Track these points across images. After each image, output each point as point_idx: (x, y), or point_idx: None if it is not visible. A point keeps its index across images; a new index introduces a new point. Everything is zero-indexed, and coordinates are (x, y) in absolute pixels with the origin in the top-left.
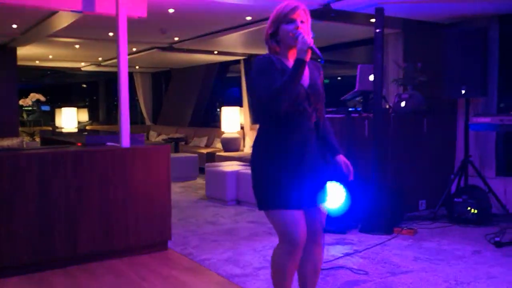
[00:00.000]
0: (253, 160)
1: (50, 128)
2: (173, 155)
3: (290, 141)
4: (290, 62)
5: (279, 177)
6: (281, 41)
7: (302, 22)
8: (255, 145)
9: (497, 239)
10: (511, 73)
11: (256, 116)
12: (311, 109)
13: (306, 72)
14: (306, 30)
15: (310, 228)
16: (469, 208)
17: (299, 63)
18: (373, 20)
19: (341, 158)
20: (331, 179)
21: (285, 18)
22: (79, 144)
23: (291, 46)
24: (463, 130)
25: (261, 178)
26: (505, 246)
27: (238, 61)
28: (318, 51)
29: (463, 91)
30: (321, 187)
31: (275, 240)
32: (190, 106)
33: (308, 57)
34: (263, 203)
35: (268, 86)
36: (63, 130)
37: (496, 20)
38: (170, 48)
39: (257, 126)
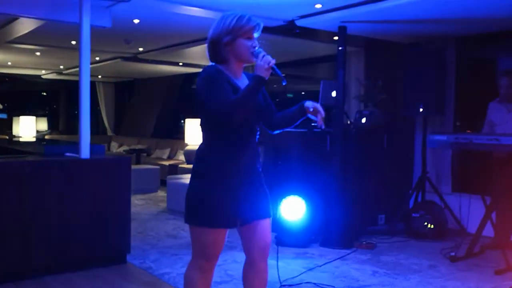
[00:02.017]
0: (193, 173)
1: (7, 137)
2: (134, 166)
3: (231, 159)
4: (236, 75)
5: (213, 195)
6: (234, 53)
7: (257, 40)
8: (197, 159)
9: (452, 253)
10: (467, 92)
11: (202, 127)
12: (254, 125)
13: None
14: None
15: (255, 243)
16: (426, 223)
17: (260, 80)
18: (336, 38)
19: (307, 103)
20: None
21: (246, 33)
22: (37, 154)
23: (244, 61)
24: (420, 147)
25: (196, 193)
26: (460, 261)
27: None
28: (279, 71)
29: (421, 109)
30: (264, 203)
31: (237, 255)
32: (153, 117)
33: (268, 75)
34: (192, 218)
35: (222, 99)
36: (21, 139)
37: (452, 41)
38: (135, 58)
39: None
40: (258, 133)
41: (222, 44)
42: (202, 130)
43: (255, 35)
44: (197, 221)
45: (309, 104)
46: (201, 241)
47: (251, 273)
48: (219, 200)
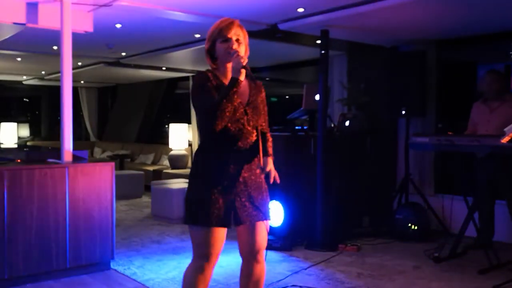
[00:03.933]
0: (190, 174)
1: None
2: (118, 172)
3: (226, 160)
4: (228, 77)
5: (208, 195)
6: (218, 57)
7: (237, 40)
8: (194, 160)
9: (436, 254)
10: (448, 94)
11: (199, 132)
12: (250, 127)
13: (246, 91)
14: (241, 49)
15: (249, 245)
16: (409, 225)
17: (233, 82)
18: (318, 41)
19: (269, 159)
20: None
21: (220, 34)
22: (18, 160)
23: (226, 62)
24: (403, 149)
25: (193, 194)
26: (444, 261)
27: (187, 78)
28: (250, 72)
29: (403, 112)
30: (260, 205)
31: (221, 259)
32: (137, 123)
33: (242, 76)
34: (189, 218)
35: (204, 104)
36: (2, 146)
37: (433, 44)
38: (117, 63)
39: None
40: (254, 135)
41: (206, 51)
42: (198, 132)
43: (232, 35)
44: (191, 220)
45: (269, 163)
46: (198, 241)
47: (244, 276)
48: (212, 200)
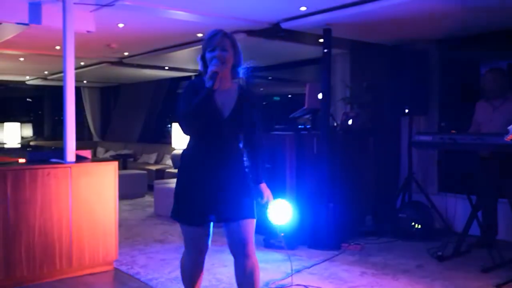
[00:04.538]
0: (177, 172)
1: None
2: (121, 172)
3: (201, 162)
4: (220, 87)
5: (188, 195)
6: (209, 66)
7: (223, 49)
8: (180, 159)
9: (439, 253)
10: (451, 93)
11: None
12: (231, 136)
13: (231, 101)
14: (226, 57)
15: (234, 241)
16: (413, 224)
17: (205, 90)
18: (321, 40)
19: (262, 187)
20: (253, 198)
21: (208, 44)
22: (21, 160)
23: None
24: (406, 148)
25: (176, 193)
26: (447, 260)
27: (189, 77)
28: (212, 81)
29: (406, 110)
30: (240, 204)
31: (225, 258)
32: (140, 122)
33: (216, 85)
34: (174, 214)
35: (181, 107)
36: (5, 146)
37: (436, 43)
38: (120, 63)
39: None
40: (240, 139)
41: (200, 58)
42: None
43: (217, 45)
44: (174, 215)
45: (263, 189)
46: (184, 235)
47: (238, 272)
48: (188, 199)
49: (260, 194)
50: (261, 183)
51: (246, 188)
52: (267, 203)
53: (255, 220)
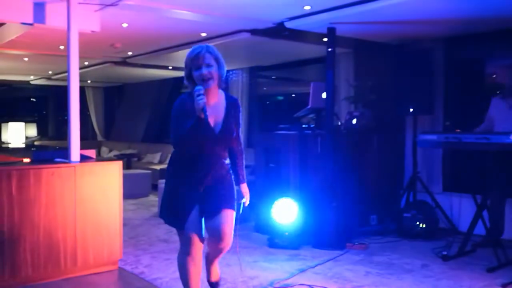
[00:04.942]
0: (166, 180)
1: None
2: (125, 171)
3: (192, 170)
4: (209, 101)
5: (176, 200)
6: (196, 82)
7: (208, 65)
8: (168, 165)
9: (444, 252)
10: (456, 92)
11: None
12: (220, 149)
13: (220, 114)
14: (213, 72)
15: (215, 229)
16: (417, 223)
17: (197, 119)
18: (325, 39)
19: (242, 187)
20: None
21: (193, 63)
22: (26, 160)
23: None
24: (411, 147)
25: (164, 195)
26: (452, 260)
27: None
28: (206, 114)
29: (411, 109)
30: (225, 197)
31: (229, 257)
32: (143, 122)
33: (206, 110)
34: (161, 213)
35: (175, 131)
36: (10, 146)
37: (441, 41)
38: (124, 62)
39: None
40: (222, 148)
41: (186, 77)
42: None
43: (201, 62)
44: (162, 215)
45: (243, 190)
46: (177, 233)
47: (209, 248)
48: (170, 202)
49: (241, 195)
50: (242, 183)
51: (230, 187)
52: (245, 203)
53: (234, 212)
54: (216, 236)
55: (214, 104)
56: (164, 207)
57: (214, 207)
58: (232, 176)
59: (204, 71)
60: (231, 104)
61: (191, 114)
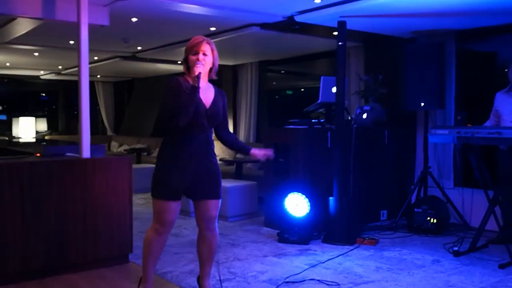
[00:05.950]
0: (157, 156)
1: (7, 138)
2: (135, 166)
3: (183, 149)
4: (200, 82)
5: (166, 175)
6: (190, 67)
7: (204, 54)
8: (160, 144)
9: (455, 248)
10: (467, 86)
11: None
12: (209, 125)
13: (210, 95)
14: (207, 60)
15: (203, 217)
16: (428, 218)
17: (192, 88)
18: (335, 33)
19: (253, 151)
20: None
21: (192, 50)
22: (37, 154)
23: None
24: (422, 142)
25: (156, 173)
26: (463, 255)
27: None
28: (199, 81)
29: (422, 104)
30: (210, 186)
31: (239, 252)
32: (153, 116)
33: (199, 83)
34: (152, 191)
35: (166, 106)
36: (21, 140)
37: (452, 35)
38: (133, 57)
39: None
40: (211, 132)
41: (183, 60)
42: (155, 126)
43: (200, 51)
44: (154, 193)
45: (255, 152)
46: (155, 209)
47: (200, 240)
48: (165, 179)
49: (257, 157)
50: (250, 149)
51: (217, 173)
52: (268, 156)
53: (220, 201)
54: (206, 228)
55: (204, 87)
56: (157, 185)
57: (205, 195)
58: (219, 164)
59: (200, 57)
60: (220, 92)
61: (184, 94)
